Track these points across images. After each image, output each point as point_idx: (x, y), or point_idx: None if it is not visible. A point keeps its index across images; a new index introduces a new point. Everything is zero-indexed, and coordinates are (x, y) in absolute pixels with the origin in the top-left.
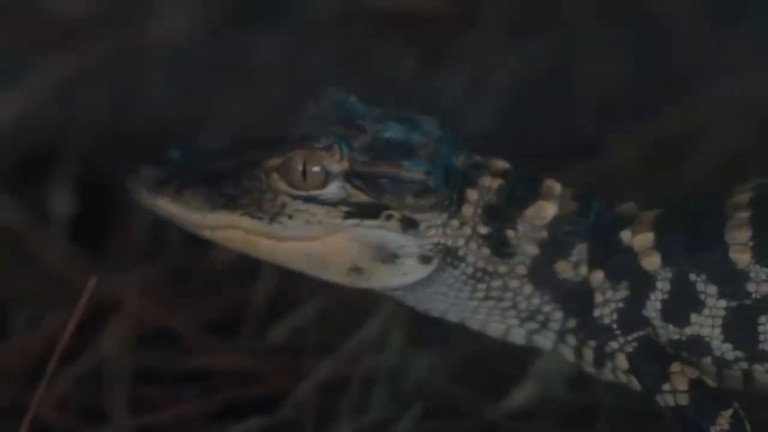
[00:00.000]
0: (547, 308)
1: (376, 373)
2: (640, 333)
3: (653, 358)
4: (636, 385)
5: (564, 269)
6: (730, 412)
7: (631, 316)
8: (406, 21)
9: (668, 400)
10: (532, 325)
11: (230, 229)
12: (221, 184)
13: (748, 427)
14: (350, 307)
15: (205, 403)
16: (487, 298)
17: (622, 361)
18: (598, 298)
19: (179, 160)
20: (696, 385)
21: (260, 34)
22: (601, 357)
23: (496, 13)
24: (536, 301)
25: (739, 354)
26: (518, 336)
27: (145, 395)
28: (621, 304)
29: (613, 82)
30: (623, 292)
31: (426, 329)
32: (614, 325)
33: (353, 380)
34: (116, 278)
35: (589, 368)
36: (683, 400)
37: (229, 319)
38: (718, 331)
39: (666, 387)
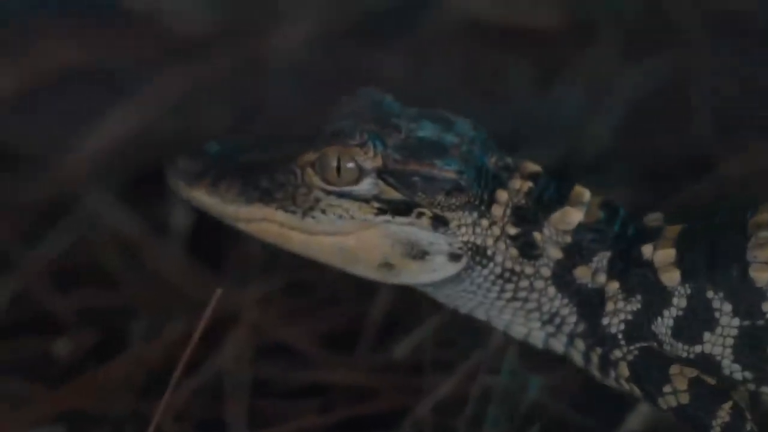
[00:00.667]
0: (564, 311)
1: (491, 393)
2: (643, 344)
3: (654, 363)
4: (638, 392)
5: (582, 275)
6: (729, 404)
7: (637, 329)
8: (523, 36)
9: (670, 401)
10: (550, 329)
11: (265, 221)
12: (256, 178)
13: (748, 416)
14: (465, 324)
15: (322, 417)
16: (514, 298)
17: (624, 370)
18: (609, 306)
19: (216, 153)
20: (695, 383)
21: (380, 48)
22: (606, 364)
23: (613, 28)
24: (557, 303)
25: (748, 375)
26: (538, 339)
27: (263, 408)
28: (630, 316)
29: (732, 97)
30: (635, 305)
31: (539, 350)
32: (620, 335)
33: (469, 398)
34: (234, 290)
35: (596, 373)
36: (684, 399)
37: (346, 333)
38: (729, 350)
39: (667, 389)
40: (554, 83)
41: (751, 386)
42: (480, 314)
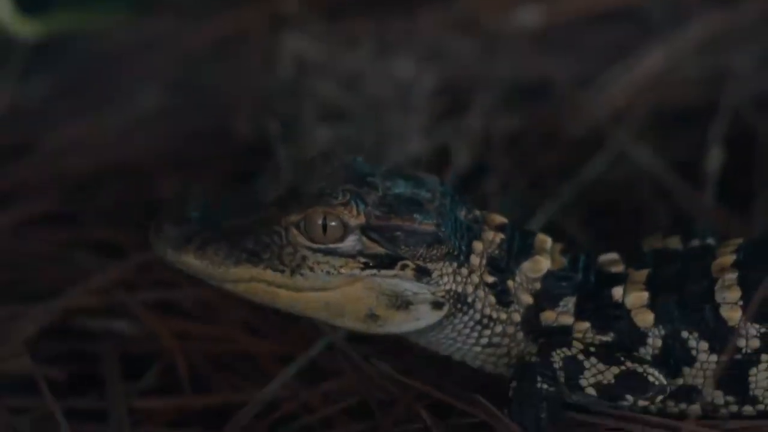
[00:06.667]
0: (529, 349)
1: None
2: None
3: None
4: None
5: (547, 318)
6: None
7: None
8: None
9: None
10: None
11: (253, 281)
12: (242, 240)
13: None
14: None
15: None
16: (489, 344)
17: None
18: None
19: (199, 218)
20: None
21: None
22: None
23: None
24: (523, 346)
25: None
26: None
27: None
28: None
29: None
30: (608, 338)
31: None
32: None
33: None
34: None
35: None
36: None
37: None
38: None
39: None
40: None
41: (734, 408)
42: (456, 356)
